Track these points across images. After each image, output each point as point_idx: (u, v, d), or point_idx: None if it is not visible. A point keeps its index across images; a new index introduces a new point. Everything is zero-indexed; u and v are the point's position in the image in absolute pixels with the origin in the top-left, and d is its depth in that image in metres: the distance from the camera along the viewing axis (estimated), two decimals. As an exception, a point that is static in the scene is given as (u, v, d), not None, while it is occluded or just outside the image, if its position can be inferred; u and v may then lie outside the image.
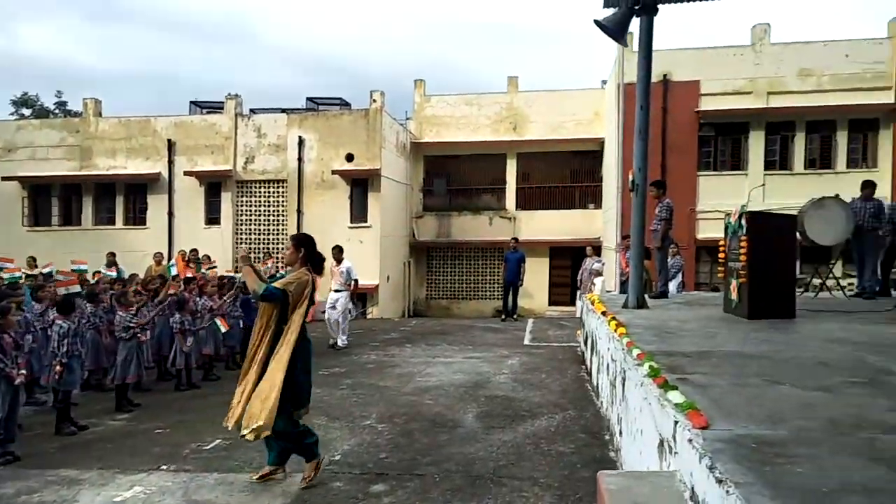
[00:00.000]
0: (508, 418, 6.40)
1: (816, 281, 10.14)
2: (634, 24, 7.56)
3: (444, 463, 5.15)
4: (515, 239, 16.09)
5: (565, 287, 21.86)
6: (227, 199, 20.45)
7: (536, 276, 21.63)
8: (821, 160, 18.36)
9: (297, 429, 4.77)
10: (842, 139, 17.99)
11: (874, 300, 8.73)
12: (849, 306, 8.10)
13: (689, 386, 3.67)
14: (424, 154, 23.34)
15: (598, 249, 18.07)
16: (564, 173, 22.85)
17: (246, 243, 19.94)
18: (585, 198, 22.62)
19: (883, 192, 9.96)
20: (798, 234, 9.30)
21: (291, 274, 4.85)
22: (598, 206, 22.02)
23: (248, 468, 5.09)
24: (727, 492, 2.18)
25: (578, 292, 15.11)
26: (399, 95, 60.40)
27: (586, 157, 22.49)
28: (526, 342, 11.78)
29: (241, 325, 9.74)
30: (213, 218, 20.67)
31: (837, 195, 9.15)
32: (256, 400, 4.52)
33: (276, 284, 4.72)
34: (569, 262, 21.56)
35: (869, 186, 9.28)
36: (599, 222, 21.62)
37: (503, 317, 15.25)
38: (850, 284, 11.00)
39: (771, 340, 5.47)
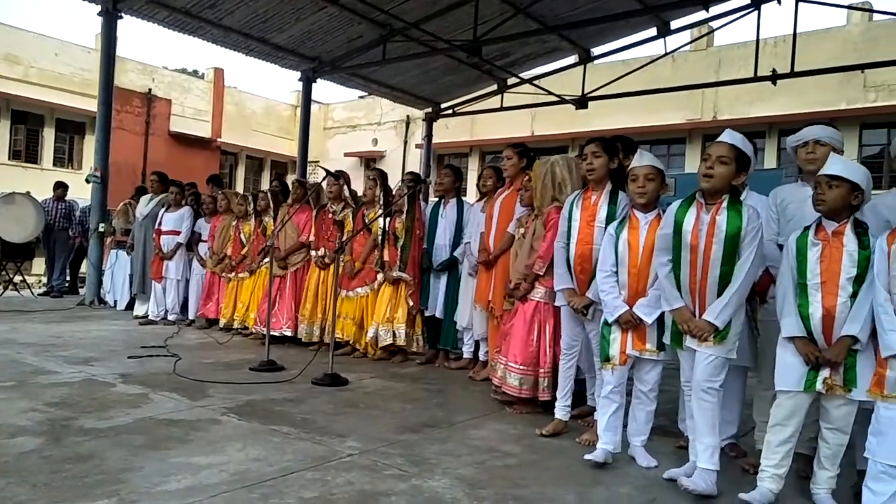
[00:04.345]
0: None
1: (16, 279, 9.65)
2: None
3: None
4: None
5: None
6: None
7: None
8: (28, 153, 17.80)
9: None
10: (49, 136, 17.96)
11: (61, 298, 8.99)
12: (33, 305, 8.05)
13: None
14: None
15: None
16: None
17: None
18: None
19: (83, 194, 10.44)
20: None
21: None
22: None
23: None
24: None
25: None
26: None
27: None
28: None
29: None
30: None
31: (28, 192, 9.00)
32: None
33: None
34: None
35: (61, 187, 9.55)
36: None
37: None
38: (40, 283, 10.99)
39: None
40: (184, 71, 25.51)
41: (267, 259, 6.05)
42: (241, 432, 3.12)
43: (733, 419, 3.10)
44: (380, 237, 5.39)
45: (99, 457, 2.65)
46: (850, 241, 2.40)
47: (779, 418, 2.49)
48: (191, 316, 6.99)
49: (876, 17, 13.88)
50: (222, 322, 6.49)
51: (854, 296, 2.36)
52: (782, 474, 2.49)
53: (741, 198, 2.74)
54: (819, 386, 2.40)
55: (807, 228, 2.53)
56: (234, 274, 6.50)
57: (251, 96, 23.58)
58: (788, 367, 2.48)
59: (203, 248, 7.01)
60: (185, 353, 5.12)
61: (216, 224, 6.86)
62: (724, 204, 2.59)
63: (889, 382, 2.22)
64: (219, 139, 21.67)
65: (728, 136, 2.66)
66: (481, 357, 4.95)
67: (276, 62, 10.33)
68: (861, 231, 2.42)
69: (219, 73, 22.00)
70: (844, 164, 2.48)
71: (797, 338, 2.45)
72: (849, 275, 2.37)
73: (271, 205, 6.40)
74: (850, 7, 11.51)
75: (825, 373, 2.40)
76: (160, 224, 7.04)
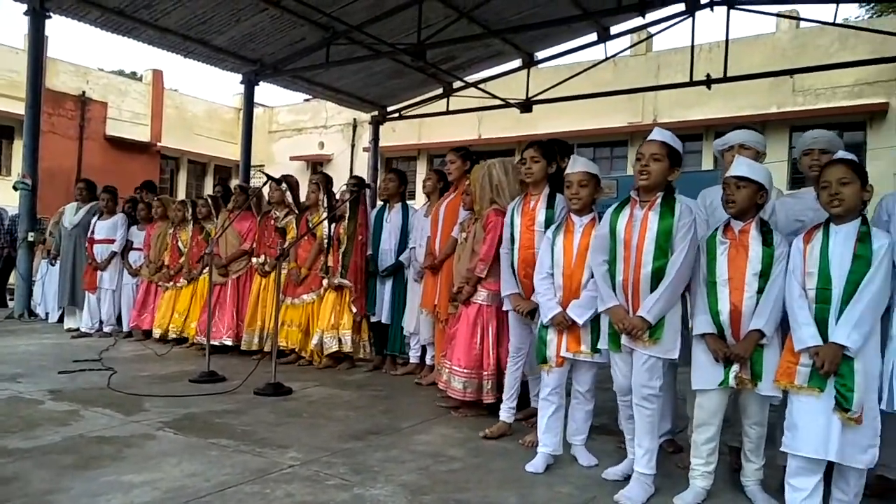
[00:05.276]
0: None
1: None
2: None
3: None
4: None
5: None
6: None
7: None
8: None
9: None
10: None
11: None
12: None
13: None
14: None
15: None
16: None
17: None
18: None
19: (11, 202, 9.89)
20: None
21: None
22: None
23: None
24: None
25: None
26: None
27: None
28: None
29: None
30: None
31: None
32: None
33: None
34: None
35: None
36: None
37: None
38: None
39: None
40: (121, 73, 24.67)
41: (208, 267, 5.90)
42: (177, 447, 3.02)
43: (667, 415, 3.17)
44: (325, 242, 5.32)
45: (23, 479, 2.52)
46: (754, 239, 2.50)
47: (701, 418, 2.56)
48: (125, 327, 6.75)
49: (803, 24, 14.54)
50: (157, 332, 6.27)
51: (760, 292, 2.46)
52: (711, 471, 2.57)
53: (677, 199, 2.80)
54: (731, 381, 2.48)
55: (717, 229, 2.62)
56: (172, 283, 6.31)
57: (192, 99, 22.96)
58: (702, 366, 2.55)
59: (134, 257, 6.78)
60: (120, 367, 4.94)
61: (151, 232, 6.64)
62: (659, 201, 2.64)
63: (800, 374, 2.29)
64: (158, 143, 21.00)
65: (658, 134, 2.72)
66: (428, 362, 4.94)
67: (216, 64, 10.09)
68: (765, 230, 2.53)
69: (157, 74, 21.32)
70: (750, 166, 2.59)
71: (707, 335, 2.53)
72: (754, 271, 2.47)
73: (213, 211, 6.24)
74: (778, 15, 12.02)
75: (735, 368, 2.48)
76: (93, 232, 6.79)
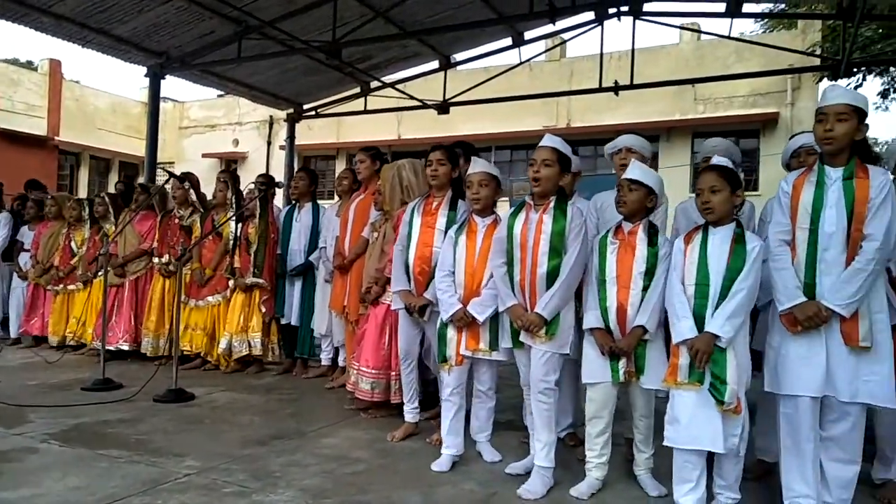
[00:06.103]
0: None
1: None
2: None
3: None
4: None
5: None
6: None
7: None
8: None
9: None
10: None
11: None
12: None
13: None
14: None
15: None
16: None
17: None
18: None
19: None
20: None
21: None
22: None
23: None
24: None
25: None
26: None
27: None
28: None
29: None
30: None
31: None
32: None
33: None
34: None
35: None
36: None
37: None
38: None
39: None
40: (15, 62, 22.98)
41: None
42: (62, 460, 2.84)
43: (569, 409, 3.27)
44: (231, 242, 5.15)
45: None
46: (641, 240, 2.65)
47: (592, 411, 2.67)
48: (13, 334, 6.29)
49: (703, 37, 15.40)
50: (53, 339, 5.89)
51: (645, 290, 2.59)
52: (605, 461, 2.67)
53: (570, 202, 2.91)
54: (621, 376, 2.61)
55: (608, 230, 2.74)
56: (61, 286, 5.93)
57: (95, 92, 21.69)
58: (591, 360, 2.67)
59: (24, 258, 6.33)
60: (5, 376, 4.62)
61: (42, 231, 6.22)
62: (552, 204, 2.75)
63: (681, 370, 2.41)
64: (56, 137, 19.72)
65: (548, 141, 2.82)
66: (340, 363, 4.87)
67: (117, 56, 9.52)
68: (652, 231, 2.67)
69: (55, 64, 20.00)
70: (643, 171, 2.73)
71: (595, 329, 2.64)
72: (639, 270, 2.60)
73: (111, 209, 5.91)
74: (680, 27, 12.65)
75: (623, 363, 2.60)
76: (-28, 232, 6.29)
